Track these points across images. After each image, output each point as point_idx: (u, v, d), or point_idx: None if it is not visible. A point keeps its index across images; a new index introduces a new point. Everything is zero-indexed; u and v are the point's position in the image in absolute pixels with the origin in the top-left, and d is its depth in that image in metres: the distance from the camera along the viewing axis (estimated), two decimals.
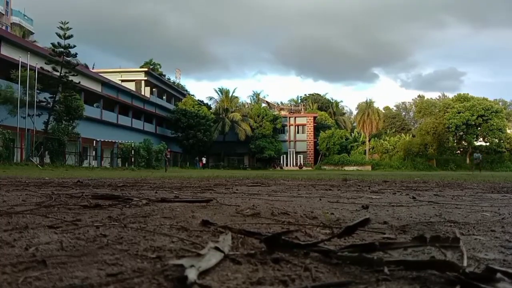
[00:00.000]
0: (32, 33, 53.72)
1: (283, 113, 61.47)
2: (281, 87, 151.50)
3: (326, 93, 77.42)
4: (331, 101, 72.19)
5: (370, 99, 56.48)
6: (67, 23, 28.86)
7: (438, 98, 66.74)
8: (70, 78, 29.39)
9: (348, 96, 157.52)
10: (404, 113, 77.68)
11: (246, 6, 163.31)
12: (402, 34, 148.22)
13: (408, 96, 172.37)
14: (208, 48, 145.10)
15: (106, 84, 42.42)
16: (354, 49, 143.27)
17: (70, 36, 29.05)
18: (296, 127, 59.61)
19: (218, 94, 59.95)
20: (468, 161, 49.76)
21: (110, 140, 39.65)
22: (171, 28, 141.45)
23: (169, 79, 64.71)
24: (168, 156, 36.58)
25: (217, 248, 1.22)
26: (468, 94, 51.67)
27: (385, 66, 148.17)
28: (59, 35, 28.98)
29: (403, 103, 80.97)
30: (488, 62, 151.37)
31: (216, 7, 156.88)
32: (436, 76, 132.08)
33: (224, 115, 56.11)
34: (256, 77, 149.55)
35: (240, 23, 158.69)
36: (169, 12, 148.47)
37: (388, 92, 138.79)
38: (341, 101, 74.27)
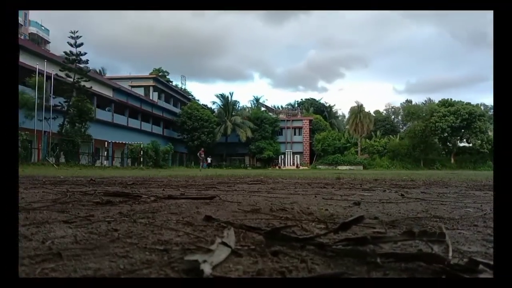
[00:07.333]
0: (48, 42, 53.81)
1: (281, 116, 61.48)
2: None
3: (320, 98, 77.61)
4: (325, 105, 72.48)
5: (360, 103, 56.47)
6: (77, 31, 28.86)
7: (424, 102, 66.72)
8: (83, 83, 29.42)
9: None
10: (393, 117, 77.59)
11: None
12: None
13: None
14: None
15: (117, 89, 42.40)
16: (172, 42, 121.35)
17: (81, 44, 29.10)
18: (293, 129, 59.62)
19: (220, 100, 60.01)
20: (452, 161, 49.85)
21: (120, 142, 39.62)
22: None
23: (176, 85, 64.76)
24: (203, 155, 32.10)
25: (224, 243, 1.22)
26: (452, 99, 51.77)
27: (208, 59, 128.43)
28: (70, 44, 29.04)
29: (392, 107, 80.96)
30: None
31: None
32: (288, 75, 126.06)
33: (226, 118, 56.10)
34: None
35: None
36: None
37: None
38: (334, 105, 74.28)
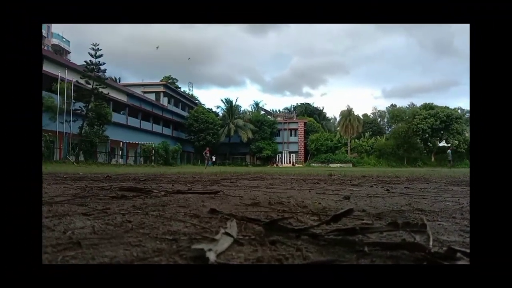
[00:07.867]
0: (69, 52, 53.80)
1: (279, 119, 61.52)
2: None
3: (313, 102, 77.70)
4: (319, 109, 72.61)
5: (350, 107, 56.41)
6: (98, 44, 28.99)
7: (407, 106, 66.65)
8: (100, 90, 29.46)
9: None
10: (379, 119, 77.41)
11: None
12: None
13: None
14: None
15: (131, 95, 42.40)
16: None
17: (100, 56, 29.16)
18: (289, 131, 59.65)
19: (224, 104, 60.02)
20: (433, 159, 49.82)
21: (134, 142, 39.62)
22: None
23: (184, 91, 64.84)
24: (208, 154, 30.75)
25: (227, 233, 1.22)
26: (432, 103, 51.76)
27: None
28: (91, 55, 29.09)
29: (378, 110, 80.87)
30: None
31: None
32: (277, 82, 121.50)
33: (229, 120, 56.10)
34: None
35: None
36: None
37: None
38: (323, 107, 74.19)
